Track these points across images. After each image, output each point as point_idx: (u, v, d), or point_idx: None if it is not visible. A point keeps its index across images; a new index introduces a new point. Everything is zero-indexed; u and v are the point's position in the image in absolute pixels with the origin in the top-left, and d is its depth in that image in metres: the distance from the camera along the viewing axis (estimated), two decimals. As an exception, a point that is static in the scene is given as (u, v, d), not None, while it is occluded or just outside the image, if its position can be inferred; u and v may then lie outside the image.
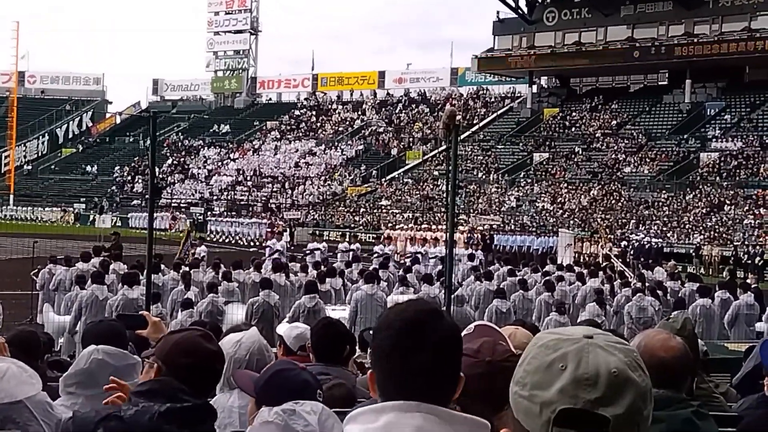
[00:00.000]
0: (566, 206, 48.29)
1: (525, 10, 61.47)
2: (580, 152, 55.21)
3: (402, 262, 26.34)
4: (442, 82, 73.74)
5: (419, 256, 26.37)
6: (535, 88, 64.79)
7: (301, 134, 71.68)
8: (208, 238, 40.68)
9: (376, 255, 27.27)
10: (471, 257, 26.43)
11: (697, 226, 41.48)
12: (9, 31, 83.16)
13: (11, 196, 65.19)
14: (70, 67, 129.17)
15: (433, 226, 38.35)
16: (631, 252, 35.25)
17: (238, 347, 4.20)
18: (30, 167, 75.86)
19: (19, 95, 75.52)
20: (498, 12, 62.72)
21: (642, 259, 32.03)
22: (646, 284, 18.42)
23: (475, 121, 64.83)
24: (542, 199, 50.25)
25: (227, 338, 4.34)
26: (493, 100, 68.59)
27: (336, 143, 67.73)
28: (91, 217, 57.66)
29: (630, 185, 49.24)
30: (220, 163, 69.05)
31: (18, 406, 3.47)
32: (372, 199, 56.59)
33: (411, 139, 65.27)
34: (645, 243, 37.19)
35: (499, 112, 66.08)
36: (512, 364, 2.28)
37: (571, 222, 43.56)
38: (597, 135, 56.42)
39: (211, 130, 76.75)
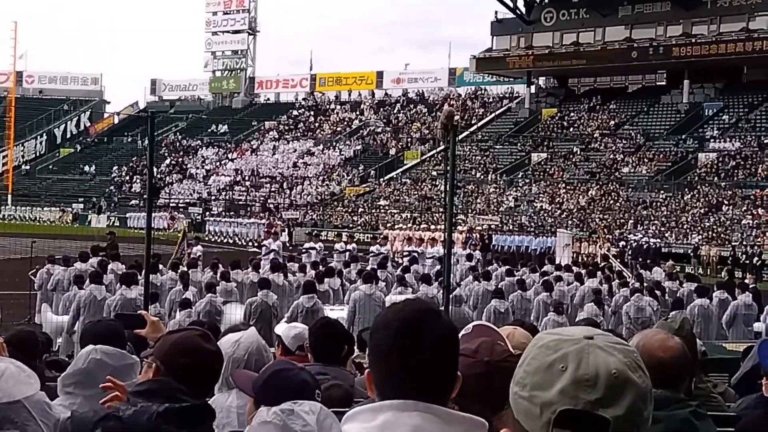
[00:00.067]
0: (564, 206, 48.31)
1: (523, 10, 61.49)
2: (579, 152, 55.24)
3: (399, 261, 26.36)
4: (440, 82, 73.76)
5: (416, 255, 26.38)
6: (533, 88, 64.81)
7: (299, 134, 71.67)
8: (206, 239, 40.71)
9: (372, 255, 27.30)
10: (469, 257, 26.42)
11: (696, 227, 41.51)
12: (7, 30, 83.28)
13: (9, 196, 65.12)
14: (68, 67, 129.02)
15: (432, 226, 38.39)
16: (630, 252, 35.26)
17: (237, 347, 4.20)
18: (28, 167, 75.78)
19: (17, 95, 75.48)
20: (496, 12, 62.82)
21: (640, 259, 32.00)
22: (645, 284, 18.43)
23: (473, 122, 64.84)
24: (540, 199, 50.26)
25: (226, 338, 4.33)
26: (491, 100, 68.60)
27: (334, 143, 67.73)
28: (89, 217, 57.68)
29: (628, 185, 49.26)
30: (218, 163, 69.05)
31: (16, 405, 3.46)
32: (370, 199, 56.59)
33: (409, 139, 65.28)
34: (643, 243, 37.22)
35: (497, 113, 66.09)
36: (510, 364, 2.28)
37: (570, 222, 43.56)
38: (595, 135, 56.44)
39: (209, 130, 76.74)
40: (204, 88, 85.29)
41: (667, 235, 40.95)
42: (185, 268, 17.87)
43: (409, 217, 47.52)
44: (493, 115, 65.84)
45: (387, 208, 52.91)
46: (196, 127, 78.42)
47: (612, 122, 57.41)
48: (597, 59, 57.33)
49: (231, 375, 3.79)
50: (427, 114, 67.59)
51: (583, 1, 58.61)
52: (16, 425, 3.43)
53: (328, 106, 76.05)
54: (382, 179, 59.59)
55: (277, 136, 71.80)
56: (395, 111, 71.19)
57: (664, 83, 59.75)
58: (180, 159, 70.75)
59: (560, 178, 52.62)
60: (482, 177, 55.53)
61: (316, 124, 72.90)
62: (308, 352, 5.19)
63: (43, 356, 6.35)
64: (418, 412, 2.00)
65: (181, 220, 49.03)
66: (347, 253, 26.57)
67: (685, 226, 41.85)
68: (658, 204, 46.01)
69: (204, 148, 72.50)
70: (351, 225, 50.26)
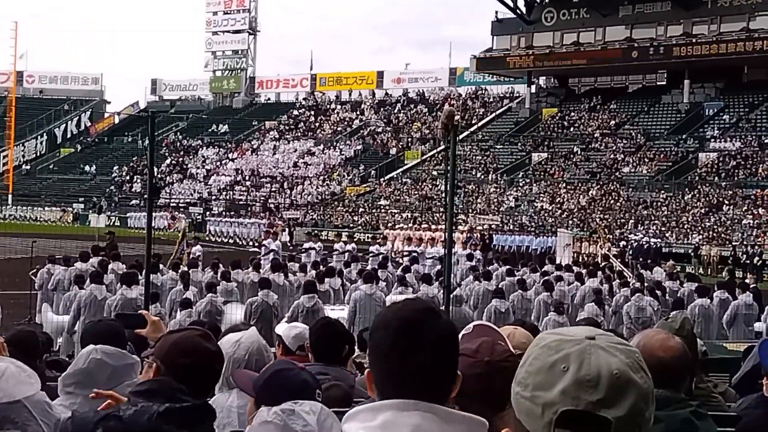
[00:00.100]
0: (565, 206, 48.31)
1: (523, 10, 61.49)
2: (579, 152, 55.24)
3: (399, 261, 26.35)
4: (440, 82, 73.75)
5: (416, 255, 26.37)
6: (533, 88, 64.81)
7: (299, 134, 71.68)
8: (206, 238, 40.72)
9: (371, 255, 27.30)
10: (470, 257, 26.41)
11: (696, 226, 41.51)
12: (7, 30, 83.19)
13: (10, 196, 65.16)
14: (68, 67, 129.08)
15: (432, 226, 38.38)
16: (630, 252, 35.26)
17: (237, 347, 4.20)
18: (28, 167, 75.82)
19: (18, 95, 75.52)
20: (497, 12, 62.84)
21: (641, 259, 32.00)
22: (645, 284, 18.41)
23: (473, 121, 64.84)
24: (541, 199, 50.27)
25: (226, 338, 4.33)
26: (491, 100, 68.60)
27: (334, 143, 67.74)
28: (89, 217, 57.67)
29: (629, 185, 49.26)
30: (218, 163, 69.06)
31: (17, 405, 3.46)
32: (370, 199, 56.61)
33: (409, 139, 65.28)
34: (644, 243, 37.21)
35: (497, 112, 66.08)
36: (511, 364, 2.28)
37: (570, 222, 43.56)
38: (596, 135, 56.44)
39: (210, 130, 76.76)
40: (204, 88, 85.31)
41: (667, 235, 40.94)
42: (186, 268, 17.88)
43: (409, 217, 47.52)
44: (493, 114, 65.84)
45: (387, 208, 52.92)
46: (196, 127, 78.43)
47: (612, 122, 57.41)
48: (597, 59, 57.33)
49: (231, 375, 3.79)
50: (427, 114, 67.58)
51: (584, 1, 58.61)
52: (17, 425, 3.43)
53: (328, 106, 76.06)
54: (382, 179, 59.60)
55: (277, 136, 71.81)
56: (395, 111, 71.19)
57: (664, 83, 59.72)
58: (180, 159, 70.76)
59: (561, 178, 52.62)
60: (483, 177, 55.52)
61: (317, 124, 72.90)
62: (309, 352, 5.18)
63: (44, 356, 6.34)
64: (418, 412, 2.00)
65: (182, 219, 49.04)
66: (347, 253, 26.56)
67: (685, 226, 41.85)
68: (659, 204, 46.01)
69: (204, 147, 72.51)
70: (351, 225, 50.25)
